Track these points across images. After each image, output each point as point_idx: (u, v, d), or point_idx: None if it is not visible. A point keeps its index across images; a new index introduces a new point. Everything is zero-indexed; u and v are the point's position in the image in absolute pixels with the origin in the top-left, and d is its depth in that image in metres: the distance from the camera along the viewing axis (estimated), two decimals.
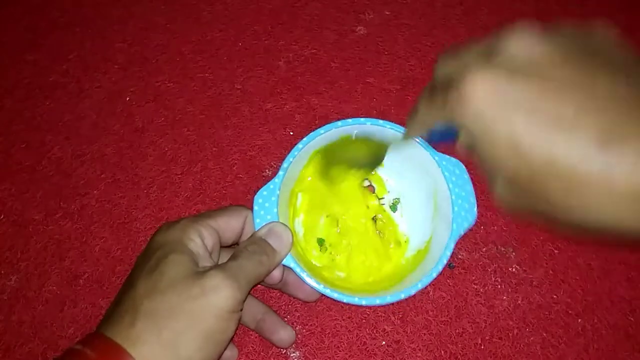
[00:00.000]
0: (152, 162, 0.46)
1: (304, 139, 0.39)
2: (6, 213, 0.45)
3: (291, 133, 0.47)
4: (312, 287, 0.36)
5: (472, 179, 0.39)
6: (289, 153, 0.39)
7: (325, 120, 0.47)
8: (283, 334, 0.38)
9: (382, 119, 0.41)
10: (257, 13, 0.51)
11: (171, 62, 0.50)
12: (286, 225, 0.37)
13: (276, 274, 0.37)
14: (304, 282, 0.37)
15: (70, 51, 0.50)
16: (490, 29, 0.51)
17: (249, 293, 0.34)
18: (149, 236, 0.43)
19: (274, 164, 0.46)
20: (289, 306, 0.42)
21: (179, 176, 0.46)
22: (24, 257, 0.43)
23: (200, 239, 0.34)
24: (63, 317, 0.41)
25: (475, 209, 0.38)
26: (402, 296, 0.36)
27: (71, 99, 0.48)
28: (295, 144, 0.39)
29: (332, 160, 0.41)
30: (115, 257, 0.43)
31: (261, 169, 0.46)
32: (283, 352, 0.41)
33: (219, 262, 0.37)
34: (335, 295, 0.36)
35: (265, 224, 0.37)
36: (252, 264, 0.34)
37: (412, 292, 0.36)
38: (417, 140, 0.39)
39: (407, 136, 0.38)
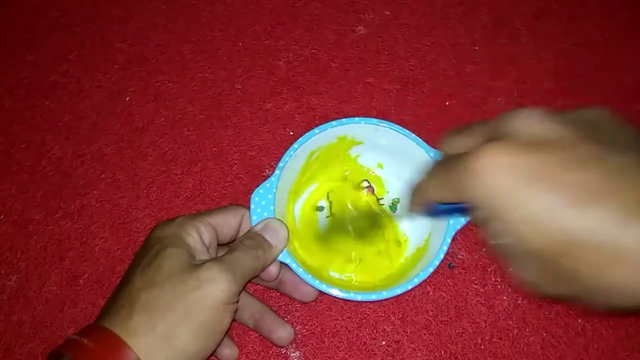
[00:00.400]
0: (152, 162, 0.46)
1: (300, 139, 0.40)
2: (6, 213, 0.45)
3: (291, 133, 0.47)
4: (308, 284, 0.37)
5: None
6: (285, 152, 0.39)
7: (325, 120, 0.47)
8: (282, 332, 0.38)
9: (377, 118, 0.41)
10: (257, 13, 0.51)
11: (171, 62, 0.50)
12: (282, 221, 0.37)
13: (273, 270, 0.37)
14: (300, 280, 0.37)
15: (70, 51, 0.50)
16: (491, 29, 0.51)
17: (244, 286, 0.34)
18: None
19: (274, 164, 0.46)
20: (289, 306, 0.42)
21: (179, 176, 0.46)
22: (24, 257, 0.43)
23: (198, 234, 0.35)
24: (63, 317, 0.41)
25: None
26: (399, 291, 0.36)
27: (71, 99, 0.48)
28: (292, 144, 0.39)
29: (334, 239, 0.43)
30: (115, 257, 0.43)
31: (261, 169, 0.46)
32: (283, 352, 0.41)
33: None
34: (330, 291, 0.36)
35: (262, 220, 0.37)
36: (248, 258, 0.34)
37: (409, 287, 0.36)
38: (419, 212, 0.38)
39: (409, 211, 0.36)
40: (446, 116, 0.48)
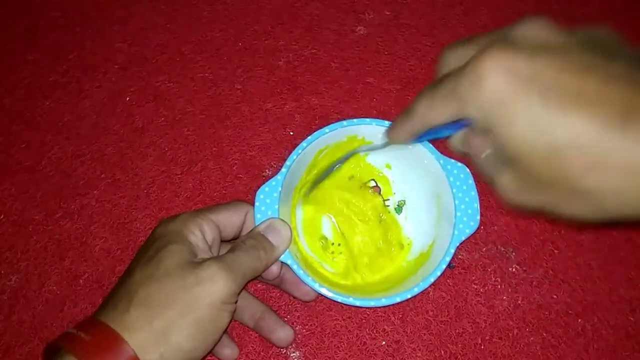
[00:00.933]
0: (152, 162, 0.46)
1: (309, 137, 0.39)
2: (6, 213, 0.45)
3: (291, 133, 0.47)
4: (308, 286, 0.37)
5: (476, 185, 0.39)
6: (292, 151, 0.39)
7: (325, 120, 0.47)
8: (281, 333, 0.38)
9: (380, 118, 0.40)
10: (257, 13, 0.51)
11: (171, 62, 0.49)
12: (285, 222, 0.37)
13: (274, 269, 0.37)
14: (300, 280, 0.37)
15: (70, 51, 0.50)
16: (490, 29, 0.51)
17: (244, 286, 0.34)
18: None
19: (274, 164, 0.46)
20: (289, 306, 0.42)
21: (179, 176, 0.46)
22: (24, 257, 0.43)
23: (201, 232, 0.35)
24: (63, 317, 0.41)
25: (478, 215, 0.38)
26: (398, 299, 0.37)
27: (71, 99, 0.48)
28: (299, 143, 0.39)
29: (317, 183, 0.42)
30: (115, 257, 0.43)
31: (261, 169, 0.46)
32: (283, 352, 0.41)
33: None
34: (329, 295, 0.36)
35: (265, 220, 0.37)
36: (249, 258, 0.34)
37: (408, 295, 0.36)
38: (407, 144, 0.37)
39: (394, 139, 0.35)
40: None
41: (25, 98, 0.48)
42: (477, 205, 0.38)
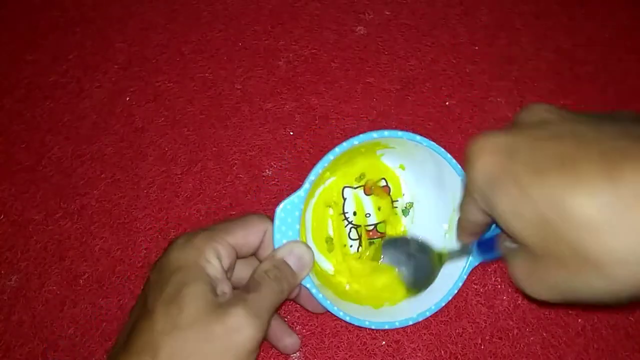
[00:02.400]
0: (152, 162, 0.46)
1: (335, 149, 0.37)
2: (6, 213, 0.45)
3: (291, 133, 0.47)
4: (321, 304, 0.36)
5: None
6: (317, 163, 0.37)
7: (325, 120, 0.47)
8: (288, 341, 0.38)
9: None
10: (257, 13, 0.51)
11: (171, 62, 0.49)
12: (308, 246, 0.36)
13: (294, 292, 0.36)
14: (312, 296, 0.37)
15: (70, 51, 0.50)
16: (491, 29, 0.51)
17: (268, 326, 0.33)
18: (149, 236, 0.44)
19: (274, 164, 0.46)
20: (289, 306, 0.42)
21: (179, 176, 0.46)
22: (24, 257, 0.43)
23: (218, 259, 0.33)
24: (63, 317, 0.41)
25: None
26: (411, 322, 0.38)
27: (71, 99, 0.48)
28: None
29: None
30: (115, 257, 0.43)
31: (261, 169, 0.46)
32: None
33: (234, 275, 0.36)
34: (347, 319, 0.37)
35: (286, 243, 0.35)
36: (274, 294, 0.33)
37: (420, 319, 0.38)
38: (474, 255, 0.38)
39: (462, 250, 0.37)
40: (446, 116, 0.48)
41: (25, 98, 0.48)
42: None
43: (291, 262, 0.35)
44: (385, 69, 0.49)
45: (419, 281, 0.40)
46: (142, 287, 0.36)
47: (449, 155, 0.39)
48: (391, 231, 0.43)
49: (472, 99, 0.49)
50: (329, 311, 0.37)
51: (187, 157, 0.46)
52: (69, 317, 0.41)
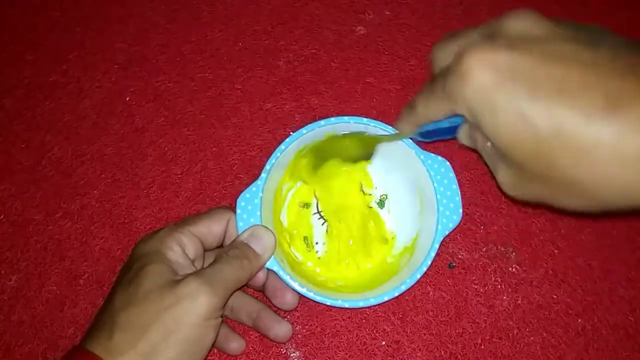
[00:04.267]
0: (152, 162, 0.46)
1: (287, 139, 0.39)
2: (6, 213, 0.45)
3: (291, 133, 0.47)
4: (294, 290, 0.36)
5: (463, 182, 0.39)
6: (271, 154, 0.39)
7: None
8: (279, 330, 0.38)
9: (376, 117, 0.40)
10: (257, 13, 0.51)
11: (171, 62, 0.49)
12: (268, 228, 0.36)
13: (260, 276, 0.36)
14: (279, 287, 0.37)
15: (70, 51, 0.50)
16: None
17: (228, 298, 0.33)
18: None
19: None
20: None
21: (179, 176, 0.46)
22: (24, 257, 0.43)
23: (180, 247, 0.34)
24: (63, 317, 0.42)
25: (461, 208, 0.38)
26: (386, 298, 0.37)
27: (71, 99, 0.48)
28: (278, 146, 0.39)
29: (323, 156, 0.41)
30: (115, 257, 0.43)
31: (261, 169, 0.46)
32: (283, 352, 0.41)
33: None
34: (318, 298, 0.36)
35: (248, 228, 0.36)
36: (232, 269, 0.33)
37: (396, 294, 0.37)
38: (408, 138, 0.39)
39: (401, 134, 0.37)
40: None
41: (25, 98, 0.48)
42: (458, 198, 0.38)
43: (252, 244, 0.35)
44: (385, 69, 0.49)
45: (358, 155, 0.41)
46: None
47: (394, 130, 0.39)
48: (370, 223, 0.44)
49: None
50: (297, 292, 0.36)
51: (187, 157, 0.46)
52: (69, 317, 0.41)
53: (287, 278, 0.36)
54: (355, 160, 0.42)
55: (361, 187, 0.44)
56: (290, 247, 0.42)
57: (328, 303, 0.36)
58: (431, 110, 0.29)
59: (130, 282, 0.32)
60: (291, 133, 0.47)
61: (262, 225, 0.37)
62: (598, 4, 0.53)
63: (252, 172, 0.46)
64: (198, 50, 0.50)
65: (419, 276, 0.37)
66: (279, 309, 0.40)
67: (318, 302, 0.37)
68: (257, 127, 0.47)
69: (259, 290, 0.40)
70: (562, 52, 0.24)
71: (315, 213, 0.44)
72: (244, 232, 0.36)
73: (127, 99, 0.48)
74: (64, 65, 0.49)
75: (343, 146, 0.41)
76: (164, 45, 0.50)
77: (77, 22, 0.51)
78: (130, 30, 0.51)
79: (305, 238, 0.43)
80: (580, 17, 0.52)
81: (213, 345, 0.34)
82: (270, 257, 0.36)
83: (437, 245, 0.37)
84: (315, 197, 0.44)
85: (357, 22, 0.51)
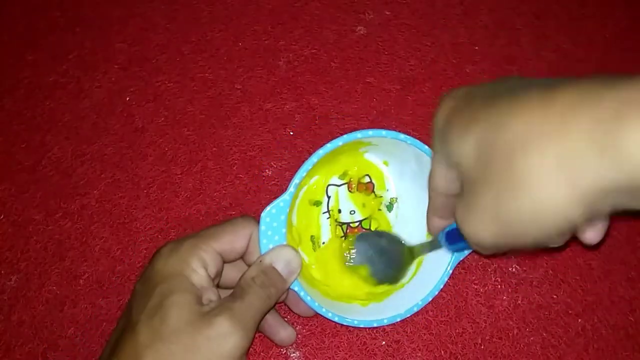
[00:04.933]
0: (152, 162, 0.46)
1: (319, 151, 0.37)
2: (6, 213, 0.45)
3: (291, 133, 0.47)
4: (309, 307, 0.37)
5: None
6: (301, 167, 0.37)
7: (325, 120, 0.47)
8: (283, 334, 0.38)
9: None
10: (257, 13, 0.51)
11: (171, 62, 0.49)
12: (295, 250, 0.35)
13: (282, 297, 0.36)
14: (300, 300, 0.37)
15: (70, 51, 0.50)
16: (491, 29, 0.51)
17: (255, 332, 0.33)
18: (149, 236, 0.44)
19: (274, 164, 0.46)
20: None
21: (179, 176, 0.46)
22: (24, 257, 0.43)
23: (204, 267, 0.33)
24: (63, 317, 0.41)
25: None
26: (399, 319, 0.38)
27: (71, 99, 0.48)
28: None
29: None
30: (115, 257, 0.43)
31: (261, 169, 0.46)
32: (283, 352, 0.41)
33: (223, 279, 0.36)
34: (335, 319, 0.37)
35: (274, 248, 0.35)
36: (261, 302, 0.32)
37: (407, 315, 0.38)
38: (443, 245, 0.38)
39: (433, 238, 0.38)
40: None
41: (25, 98, 0.48)
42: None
43: (279, 267, 0.34)
44: (385, 69, 0.49)
45: (389, 275, 0.40)
46: (129, 298, 0.35)
47: (426, 147, 0.39)
48: (376, 227, 0.44)
49: None
50: (317, 313, 0.37)
51: (187, 157, 0.46)
52: (69, 317, 0.41)
53: (308, 299, 0.36)
54: (383, 279, 0.41)
55: (373, 189, 0.44)
56: (298, 248, 0.42)
57: (344, 323, 0.37)
58: (432, 179, 0.32)
59: (156, 313, 0.30)
60: (290, 133, 0.47)
61: (288, 246, 0.35)
62: (598, 4, 0.53)
63: (252, 172, 0.46)
64: (198, 50, 0.50)
65: (430, 299, 0.38)
66: (298, 315, 0.40)
67: (335, 322, 0.38)
68: (257, 127, 0.47)
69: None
70: (507, 84, 0.28)
71: (325, 212, 0.43)
72: (270, 253, 0.35)
73: (127, 99, 0.48)
74: (64, 65, 0.49)
75: (380, 254, 0.41)
76: (164, 45, 0.50)
77: (77, 22, 0.51)
78: (130, 30, 0.51)
79: (312, 237, 0.42)
80: (580, 17, 0.52)
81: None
82: (295, 279, 0.35)
83: (450, 271, 0.39)
84: (327, 195, 0.43)
85: (357, 22, 0.51)
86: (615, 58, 0.51)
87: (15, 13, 0.52)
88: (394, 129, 0.39)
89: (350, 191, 0.44)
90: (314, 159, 0.37)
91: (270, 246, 0.35)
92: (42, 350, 0.40)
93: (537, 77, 0.50)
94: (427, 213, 0.36)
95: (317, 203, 0.43)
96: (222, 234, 0.34)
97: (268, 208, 0.35)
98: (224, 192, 0.45)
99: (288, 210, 0.36)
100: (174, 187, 0.45)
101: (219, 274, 0.35)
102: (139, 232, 0.44)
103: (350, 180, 0.43)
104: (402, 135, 0.39)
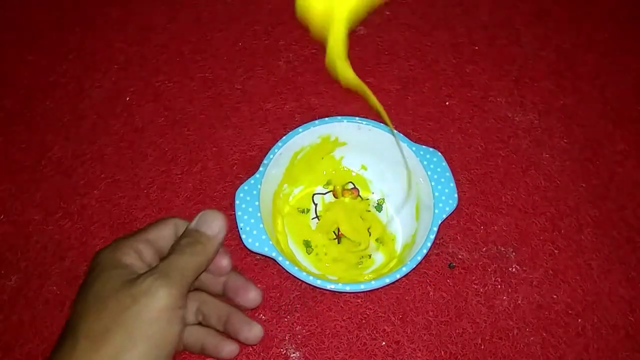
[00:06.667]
0: (152, 162, 0.46)
1: (283, 137, 0.41)
2: (6, 213, 0.45)
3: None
4: (252, 289, 0.37)
5: (463, 182, 0.39)
6: (268, 151, 0.40)
7: None
8: (248, 332, 0.37)
9: (368, 117, 0.41)
10: (257, 13, 0.51)
11: (171, 62, 0.49)
12: (216, 210, 0.36)
13: (223, 262, 0.36)
14: (242, 285, 0.37)
15: (70, 51, 0.50)
16: (491, 29, 0.51)
17: (189, 287, 0.33)
18: None
19: None
20: (289, 306, 0.42)
21: (179, 176, 0.46)
22: (24, 257, 0.43)
23: (135, 252, 0.34)
24: (63, 317, 0.41)
25: (456, 194, 0.40)
26: (387, 280, 0.37)
27: (71, 99, 0.48)
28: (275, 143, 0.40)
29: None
30: None
31: None
32: (283, 352, 0.41)
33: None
34: (318, 283, 0.36)
35: (197, 215, 0.36)
36: (186, 257, 0.33)
37: (397, 276, 0.37)
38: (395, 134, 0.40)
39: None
40: (446, 116, 0.48)
41: (25, 98, 0.48)
42: (453, 184, 0.40)
43: (203, 228, 0.35)
44: (385, 69, 0.49)
45: None
46: None
47: (395, 131, 0.40)
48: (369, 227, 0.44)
49: (472, 98, 0.49)
50: (297, 277, 0.36)
51: (187, 157, 0.46)
52: None
53: (286, 264, 0.36)
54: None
55: (358, 193, 0.45)
56: (290, 247, 0.42)
57: (328, 287, 0.36)
58: None
59: (86, 291, 0.32)
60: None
61: (211, 209, 0.36)
62: (598, 4, 0.53)
63: (252, 172, 0.46)
64: (198, 50, 0.50)
65: (419, 258, 0.37)
66: (244, 307, 0.39)
67: (318, 287, 0.37)
68: (257, 127, 0.47)
69: (218, 295, 0.39)
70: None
71: (314, 218, 0.44)
72: (194, 219, 0.36)
73: (127, 99, 0.48)
74: (64, 65, 0.49)
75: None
76: (164, 45, 0.50)
77: (77, 22, 0.51)
78: (130, 30, 0.51)
79: (305, 242, 0.43)
80: (580, 17, 0.52)
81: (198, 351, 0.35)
82: (223, 237, 0.36)
83: (435, 229, 0.38)
84: (314, 202, 0.44)
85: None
86: (615, 58, 0.51)
87: (15, 13, 0.52)
88: (395, 129, 0.40)
89: (335, 197, 0.45)
90: (279, 143, 0.41)
91: (239, 214, 0.39)
92: (42, 350, 0.40)
93: (536, 77, 0.50)
94: None
95: (305, 210, 0.44)
96: (148, 227, 0.36)
97: (240, 186, 0.39)
98: (224, 192, 0.45)
99: (259, 186, 0.39)
100: (174, 187, 0.45)
101: (155, 261, 0.35)
102: None
103: (334, 189, 0.45)
104: (358, 119, 0.41)
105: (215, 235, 0.35)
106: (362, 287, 0.36)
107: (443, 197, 0.39)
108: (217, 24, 0.51)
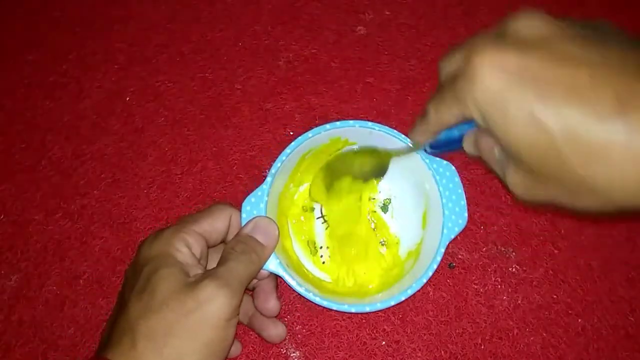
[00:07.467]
0: (152, 162, 0.46)
1: (292, 143, 0.39)
2: (6, 213, 0.45)
3: (291, 133, 0.47)
4: (272, 301, 0.37)
5: (463, 182, 0.39)
6: (277, 158, 0.39)
7: (325, 120, 0.47)
8: (272, 330, 0.38)
9: (376, 119, 0.40)
10: (257, 13, 0.51)
11: (171, 62, 0.49)
12: (271, 219, 0.36)
13: (263, 271, 0.36)
14: (273, 291, 0.37)
15: (70, 51, 0.50)
16: (491, 29, 0.51)
17: (243, 294, 0.33)
18: None
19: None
20: (289, 306, 0.42)
21: (179, 176, 0.46)
22: (24, 257, 0.43)
23: (187, 247, 0.34)
24: (63, 317, 0.42)
25: (466, 213, 0.38)
26: (392, 303, 0.36)
27: (71, 99, 0.48)
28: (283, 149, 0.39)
29: (336, 173, 0.41)
30: (115, 257, 0.43)
31: (261, 169, 0.46)
32: (283, 352, 0.41)
33: (208, 265, 0.36)
34: (324, 303, 0.36)
35: (250, 220, 0.36)
36: (243, 265, 0.33)
37: (402, 298, 0.36)
38: (424, 149, 0.38)
39: (414, 145, 0.37)
40: None
41: (25, 98, 0.48)
42: (464, 202, 0.38)
43: (257, 235, 0.35)
44: (385, 69, 0.49)
45: (372, 171, 0.41)
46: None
47: (402, 136, 0.39)
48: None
49: None
50: (305, 297, 0.36)
51: (187, 157, 0.46)
52: (69, 317, 0.41)
53: (293, 283, 0.36)
54: (368, 177, 0.41)
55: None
56: (295, 251, 0.42)
57: (334, 308, 0.36)
58: (443, 115, 0.29)
59: (144, 289, 0.31)
60: (291, 133, 0.47)
61: (264, 216, 0.37)
62: (598, 4, 0.53)
63: (252, 172, 0.46)
64: (198, 50, 0.50)
65: (425, 280, 0.37)
66: (260, 312, 0.39)
67: (325, 307, 0.37)
68: (257, 127, 0.47)
69: (249, 290, 0.40)
70: (571, 52, 0.24)
71: (319, 217, 0.43)
72: (247, 224, 0.36)
73: (127, 99, 0.48)
74: (64, 65, 0.49)
75: (356, 163, 0.40)
76: (164, 45, 0.50)
77: (77, 22, 0.51)
78: (130, 30, 0.51)
79: (309, 242, 0.43)
80: (580, 17, 0.52)
81: None
82: (275, 246, 0.36)
83: (442, 250, 0.37)
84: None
85: (357, 22, 0.51)
86: None
87: (15, 13, 0.52)
88: (395, 129, 0.39)
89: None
90: (287, 150, 0.39)
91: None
92: (42, 350, 0.40)
93: None
94: (417, 129, 0.33)
95: (311, 209, 0.44)
96: (201, 218, 0.36)
97: (248, 197, 0.38)
98: (224, 192, 0.45)
99: (267, 198, 0.37)
100: (174, 187, 0.45)
101: (203, 255, 0.36)
102: (139, 232, 0.44)
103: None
104: (370, 123, 0.40)
105: (269, 244, 0.35)
106: (368, 309, 0.37)
107: (453, 217, 0.38)
108: (217, 24, 0.51)
